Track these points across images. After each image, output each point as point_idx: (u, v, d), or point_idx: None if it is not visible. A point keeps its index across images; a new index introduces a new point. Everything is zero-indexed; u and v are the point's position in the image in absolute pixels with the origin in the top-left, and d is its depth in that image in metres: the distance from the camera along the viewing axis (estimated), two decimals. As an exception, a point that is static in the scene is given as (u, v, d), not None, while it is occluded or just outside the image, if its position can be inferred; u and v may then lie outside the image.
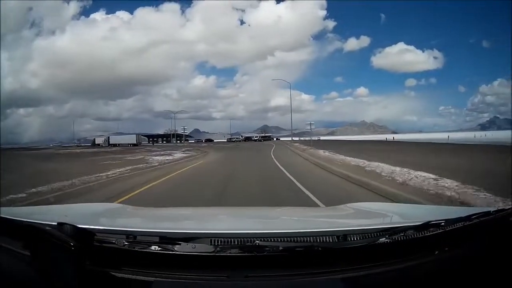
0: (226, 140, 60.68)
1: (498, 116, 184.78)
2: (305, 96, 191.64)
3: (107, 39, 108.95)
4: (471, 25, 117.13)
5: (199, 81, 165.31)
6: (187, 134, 66.82)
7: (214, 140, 64.95)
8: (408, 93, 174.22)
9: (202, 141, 59.82)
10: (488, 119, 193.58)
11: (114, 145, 42.74)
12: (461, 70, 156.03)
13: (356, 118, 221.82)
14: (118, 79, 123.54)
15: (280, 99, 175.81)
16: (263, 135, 63.74)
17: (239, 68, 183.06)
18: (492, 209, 0.92)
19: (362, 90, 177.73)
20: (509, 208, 0.90)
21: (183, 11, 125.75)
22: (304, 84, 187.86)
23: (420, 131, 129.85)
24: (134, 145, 41.34)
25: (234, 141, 55.26)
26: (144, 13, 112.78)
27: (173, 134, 46.55)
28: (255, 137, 58.06)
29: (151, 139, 62.16)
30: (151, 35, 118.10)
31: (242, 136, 65.46)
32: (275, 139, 58.60)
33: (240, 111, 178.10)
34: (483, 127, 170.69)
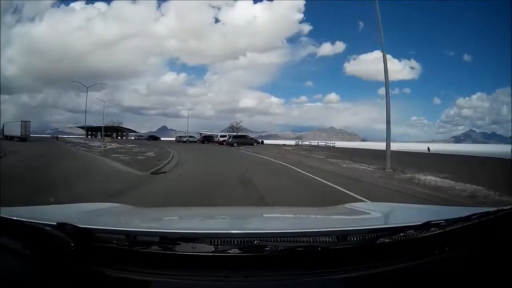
0: (175, 139, 46.92)
1: (474, 129, 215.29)
2: (274, 99, 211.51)
3: (83, 29, 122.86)
4: (452, 38, 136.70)
5: (169, 77, 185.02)
6: (131, 129, 74.93)
7: (161, 138, 59.00)
8: (380, 102, 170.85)
9: (143, 138, 55.23)
10: (463, 132, 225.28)
11: (6, 137, 34.98)
12: (438, 82, 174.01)
13: (325, 124, 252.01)
14: (90, 71, 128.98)
15: (248, 100, 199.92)
16: (236, 134, 32.27)
17: (210, 67, 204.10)
18: (492, 209, 1.04)
19: (332, 96, 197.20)
20: (509, 208, 1.01)
21: (159, 5, 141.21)
22: (273, 87, 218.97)
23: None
24: (21, 139, 32.10)
25: (185, 141, 41.39)
26: (121, 4, 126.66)
27: (87, 127, 41.53)
28: (221, 137, 26.19)
29: (91, 132, 58.07)
30: (126, 28, 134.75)
31: (201, 134, 34.40)
32: (258, 142, 37.55)
33: (208, 111, 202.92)
34: (457, 139, 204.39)
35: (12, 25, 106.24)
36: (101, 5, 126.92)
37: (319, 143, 46.63)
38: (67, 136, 52.27)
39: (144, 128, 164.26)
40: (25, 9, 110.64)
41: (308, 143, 46.78)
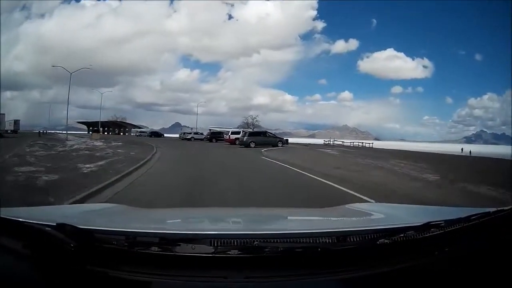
0: (179, 136, 40.00)
1: (485, 130, 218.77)
2: (288, 97, 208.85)
3: (94, 26, 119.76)
4: (464, 37, 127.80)
5: (183, 74, 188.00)
6: (134, 125, 70.10)
7: (164, 135, 52.49)
8: (393, 100, 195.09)
9: (145, 134, 47.13)
10: (474, 132, 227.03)
11: None
12: (450, 81, 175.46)
13: (338, 122, 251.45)
14: (102, 68, 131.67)
15: (261, 97, 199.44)
16: (253, 130, 22.71)
17: (223, 63, 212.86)
18: (492, 209, 1.07)
19: (346, 94, 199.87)
20: (509, 208, 1.03)
21: (171, 2, 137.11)
22: (287, 84, 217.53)
23: (402, 139, 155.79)
24: None
25: (189, 139, 33.78)
26: (132, 1, 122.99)
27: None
28: (232, 134, 16.23)
29: (93, 127, 53.12)
30: (138, 24, 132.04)
31: (210, 130, 25.01)
32: (283, 142, 26.60)
33: (222, 107, 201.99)
34: (468, 140, 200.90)
35: (21, 22, 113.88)
36: (112, 2, 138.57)
37: (354, 143, 38.38)
38: (65, 132, 47.04)
39: (157, 124, 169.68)
40: (34, 6, 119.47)
41: (341, 142, 38.83)
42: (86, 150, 16.18)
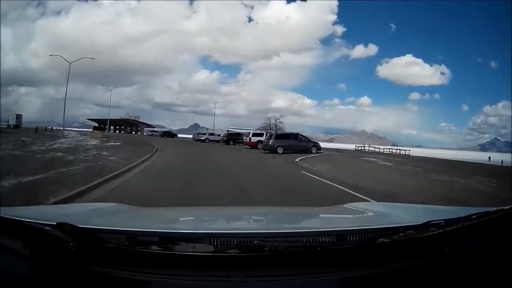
0: (192, 137, 37.88)
1: (498, 138, 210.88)
2: (307, 101, 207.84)
3: (111, 24, 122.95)
4: (481, 44, 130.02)
5: (202, 75, 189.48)
6: (147, 123, 65.58)
7: (178, 136, 47.73)
8: (410, 107, 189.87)
9: (157, 134, 44.20)
10: (488, 140, 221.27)
11: None
12: (467, 88, 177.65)
13: (357, 127, 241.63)
14: (120, 67, 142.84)
15: (281, 101, 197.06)
16: (280, 132, 16.83)
17: (243, 66, 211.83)
18: (491, 209, 1.09)
19: (365, 100, 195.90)
20: (508, 208, 1.04)
21: (191, 2, 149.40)
22: (307, 88, 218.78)
23: (419, 146, 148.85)
24: None
25: (203, 141, 31.49)
26: (151, 0, 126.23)
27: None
28: (254, 136, 10.35)
29: (103, 125, 49.62)
30: (157, 24, 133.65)
31: (227, 131, 19.34)
32: (317, 147, 20.11)
33: (241, 110, 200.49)
34: (483, 147, 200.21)
35: (36, 18, 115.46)
36: (131, 1, 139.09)
37: (391, 150, 33.17)
38: (71, 129, 44.06)
39: (175, 124, 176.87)
40: (50, 3, 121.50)
41: (374, 149, 33.98)
42: (61, 152, 13.13)
